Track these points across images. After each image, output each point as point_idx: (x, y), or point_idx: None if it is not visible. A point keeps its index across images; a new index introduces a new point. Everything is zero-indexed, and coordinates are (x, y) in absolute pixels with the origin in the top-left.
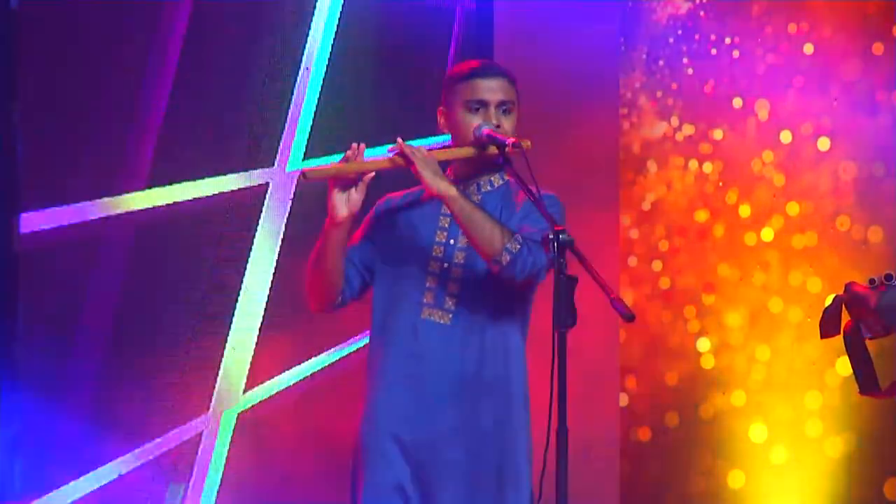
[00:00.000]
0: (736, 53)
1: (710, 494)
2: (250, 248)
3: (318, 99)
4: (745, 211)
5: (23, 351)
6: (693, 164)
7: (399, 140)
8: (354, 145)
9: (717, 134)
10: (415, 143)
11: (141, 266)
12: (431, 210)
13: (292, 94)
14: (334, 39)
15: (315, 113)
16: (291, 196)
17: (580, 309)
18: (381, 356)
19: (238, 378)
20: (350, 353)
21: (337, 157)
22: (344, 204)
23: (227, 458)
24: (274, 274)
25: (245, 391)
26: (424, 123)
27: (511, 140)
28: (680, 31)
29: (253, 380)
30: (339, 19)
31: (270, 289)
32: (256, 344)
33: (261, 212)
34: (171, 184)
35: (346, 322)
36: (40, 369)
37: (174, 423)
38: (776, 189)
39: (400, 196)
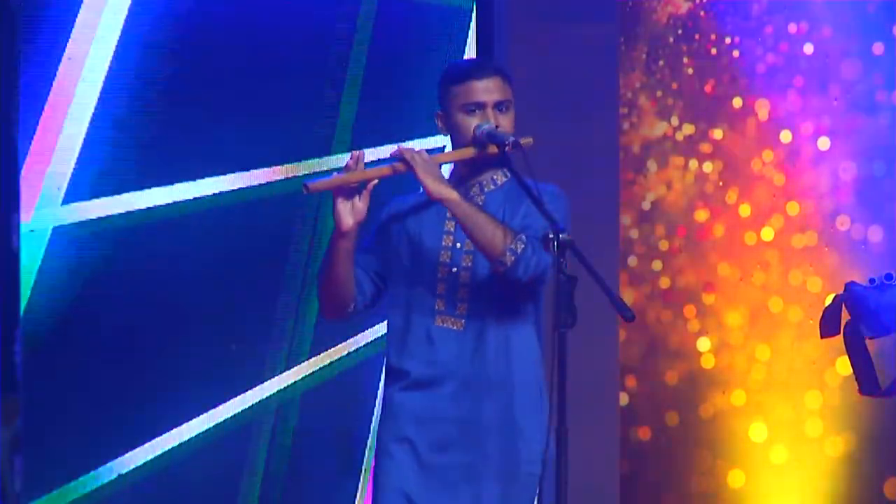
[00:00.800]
0: (736, 53)
1: (710, 494)
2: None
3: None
4: (745, 210)
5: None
6: (693, 163)
7: (399, 146)
8: (355, 153)
9: (717, 134)
10: (417, 142)
11: (144, 265)
12: (437, 214)
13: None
14: (372, 37)
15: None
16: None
17: (580, 308)
18: (398, 362)
19: None
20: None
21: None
22: (349, 213)
23: None
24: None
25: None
26: (421, 124)
27: (511, 139)
28: (680, 31)
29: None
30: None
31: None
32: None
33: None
34: (171, 183)
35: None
36: (40, 369)
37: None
38: (776, 189)
39: (408, 198)
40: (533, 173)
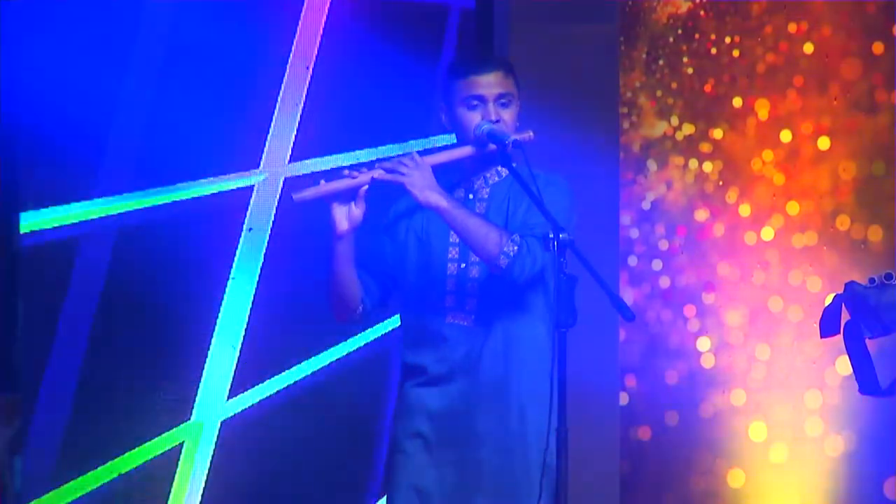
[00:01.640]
0: (736, 53)
1: (711, 493)
2: (234, 253)
3: (305, 100)
4: (745, 210)
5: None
6: (693, 163)
7: (379, 170)
8: (346, 173)
9: (717, 133)
10: (418, 142)
11: (122, 270)
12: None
13: (278, 95)
14: (322, 38)
15: (302, 114)
16: (277, 199)
17: (580, 308)
18: (411, 358)
19: (221, 385)
20: (337, 359)
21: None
22: (344, 218)
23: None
24: (258, 280)
25: (229, 398)
26: (416, 124)
27: (511, 139)
28: (680, 31)
29: (237, 387)
30: (327, 17)
31: (255, 295)
32: (241, 350)
33: (245, 216)
34: (151, 188)
35: (331, 327)
36: (40, 369)
37: (157, 431)
38: (776, 188)
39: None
40: (532, 172)
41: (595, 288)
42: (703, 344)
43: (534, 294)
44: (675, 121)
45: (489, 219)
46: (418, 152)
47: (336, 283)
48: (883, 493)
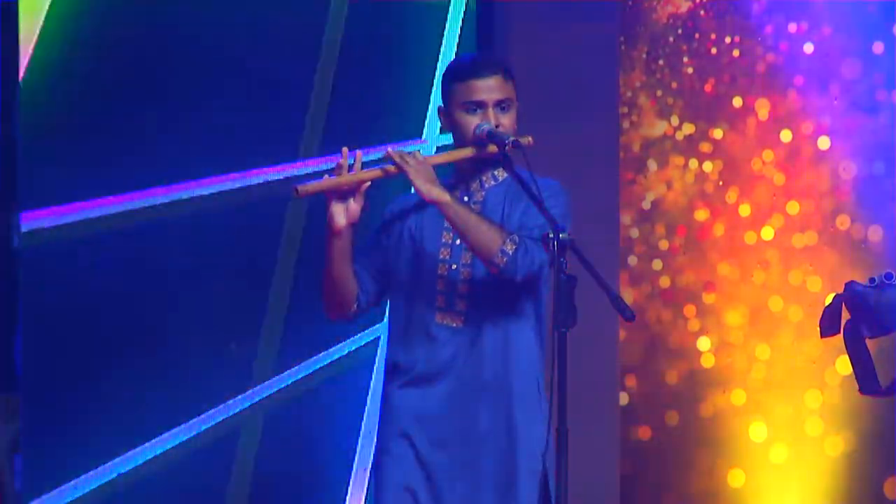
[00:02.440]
0: (736, 52)
1: (711, 493)
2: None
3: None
4: (745, 210)
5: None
6: (693, 163)
7: (389, 149)
8: (346, 150)
9: (717, 133)
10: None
11: (144, 266)
12: (438, 212)
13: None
14: (344, 39)
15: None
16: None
17: (580, 308)
18: (398, 359)
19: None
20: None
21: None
22: (342, 214)
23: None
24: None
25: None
26: (409, 125)
27: (511, 139)
28: (680, 30)
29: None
30: (347, 19)
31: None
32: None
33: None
34: (171, 182)
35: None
36: (40, 369)
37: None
38: (776, 188)
39: (410, 196)
40: (532, 174)
41: (595, 288)
42: (703, 344)
43: (525, 297)
44: (675, 120)
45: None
46: (420, 152)
47: (332, 281)
48: (883, 493)
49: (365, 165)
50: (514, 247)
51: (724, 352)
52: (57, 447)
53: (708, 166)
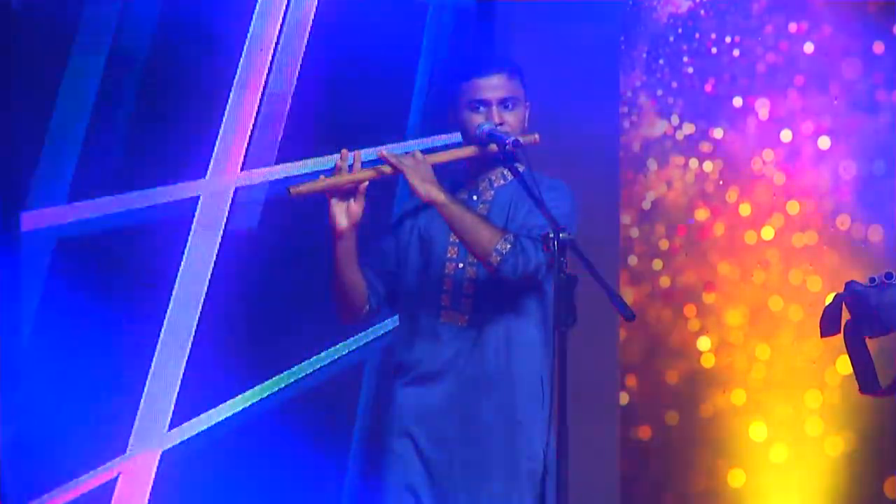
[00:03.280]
0: (736, 52)
1: (711, 493)
2: (178, 268)
3: (259, 106)
4: (745, 210)
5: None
6: (693, 162)
7: (383, 150)
8: (345, 152)
9: (718, 133)
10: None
11: (59, 285)
12: None
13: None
14: (278, 41)
15: (255, 121)
16: (227, 211)
17: (580, 308)
18: (403, 357)
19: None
20: (291, 383)
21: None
22: (343, 215)
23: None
24: (204, 299)
25: (170, 428)
26: (372, 130)
27: (511, 139)
28: (680, 30)
29: (180, 415)
30: (284, 19)
31: (200, 314)
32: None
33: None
34: (94, 197)
35: (286, 349)
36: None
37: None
38: (776, 188)
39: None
40: (532, 173)
41: (595, 287)
42: (704, 344)
43: (529, 297)
44: (675, 120)
45: (490, 220)
46: (420, 151)
47: (340, 283)
48: (883, 493)
49: (364, 165)
50: (508, 246)
51: (725, 352)
52: (56, 447)
53: (708, 166)
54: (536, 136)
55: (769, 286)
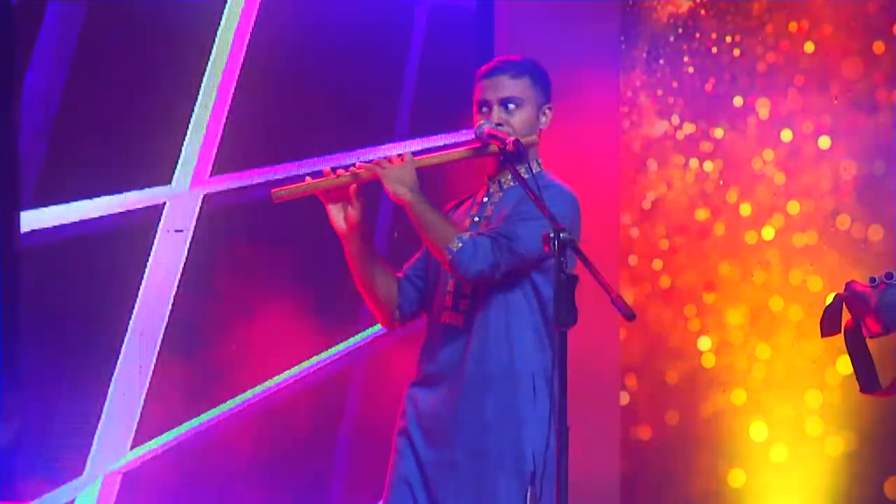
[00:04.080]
0: (736, 52)
1: (711, 493)
2: (142, 278)
3: (228, 111)
4: (745, 209)
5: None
6: (693, 162)
7: (357, 161)
8: (328, 169)
9: (718, 132)
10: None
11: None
12: (465, 213)
13: (194, 106)
14: (248, 47)
15: (225, 126)
16: (195, 218)
17: (581, 308)
18: (419, 359)
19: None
20: (251, 402)
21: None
22: (341, 219)
23: None
24: (171, 309)
25: (132, 447)
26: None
27: (510, 139)
28: (680, 30)
29: (141, 434)
30: (254, 26)
31: (165, 329)
32: (147, 392)
33: (155, 235)
34: (56, 204)
35: (246, 369)
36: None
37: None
38: (777, 188)
39: (456, 203)
40: (533, 173)
41: (596, 287)
42: (704, 344)
43: (523, 296)
44: (675, 120)
45: (492, 220)
46: (413, 152)
47: (362, 286)
48: (883, 493)
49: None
50: (460, 245)
51: (725, 351)
52: (56, 447)
53: (708, 166)
54: (536, 136)
55: (769, 286)
